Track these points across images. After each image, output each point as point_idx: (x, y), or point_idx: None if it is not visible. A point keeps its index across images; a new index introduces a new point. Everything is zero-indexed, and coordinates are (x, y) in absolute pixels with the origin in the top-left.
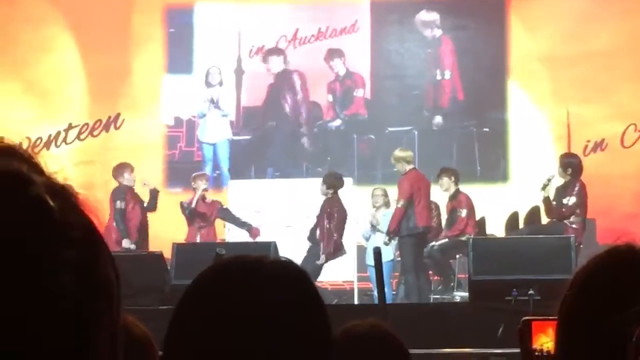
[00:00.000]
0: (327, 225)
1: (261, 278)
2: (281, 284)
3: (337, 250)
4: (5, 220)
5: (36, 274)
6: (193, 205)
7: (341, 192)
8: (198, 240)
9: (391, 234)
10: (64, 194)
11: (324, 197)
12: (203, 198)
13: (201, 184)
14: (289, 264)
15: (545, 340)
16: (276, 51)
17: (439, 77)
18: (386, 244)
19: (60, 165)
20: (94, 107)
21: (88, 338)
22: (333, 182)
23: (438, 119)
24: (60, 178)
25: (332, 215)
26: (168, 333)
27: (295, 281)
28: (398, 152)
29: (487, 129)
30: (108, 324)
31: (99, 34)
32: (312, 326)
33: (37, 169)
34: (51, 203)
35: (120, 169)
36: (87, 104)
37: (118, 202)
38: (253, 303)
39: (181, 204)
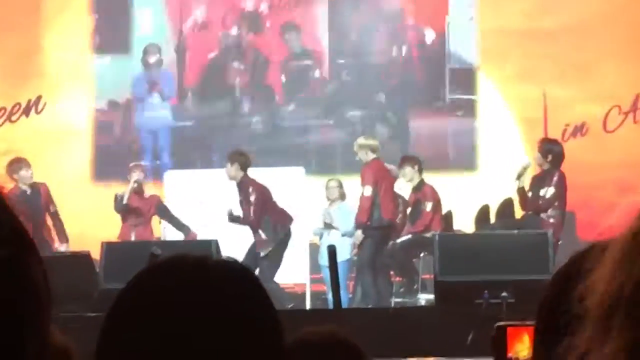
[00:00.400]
0: (251, 213)
1: (204, 279)
2: (226, 286)
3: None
4: None
5: None
6: (125, 200)
7: (293, 184)
8: (133, 238)
9: (360, 226)
10: None
11: (234, 182)
12: (139, 192)
13: (134, 176)
14: (233, 264)
15: (521, 348)
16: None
17: (396, 54)
18: (354, 237)
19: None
20: (10, 90)
21: (15, 346)
22: (242, 160)
23: (397, 101)
24: None
25: (250, 200)
26: (101, 342)
27: (241, 283)
28: (362, 140)
29: (452, 112)
30: (36, 331)
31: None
32: (261, 331)
33: None
34: None
35: (17, 164)
36: (3, 87)
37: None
38: (196, 306)
39: (115, 197)
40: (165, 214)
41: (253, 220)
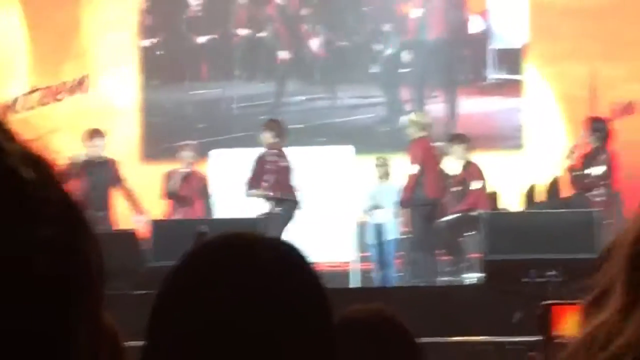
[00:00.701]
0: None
1: (255, 259)
2: (275, 267)
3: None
4: None
5: (7, 256)
6: (175, 187)
7: (342, 162)
8: (176, 216)
9: (404, 203)
10: (40, 165)
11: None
12: (188, 174)
13: (185, 155)
14: (284, 244)
15: (566, 327)
16: None
17: (443, 34)
18: (395, 215)
19: (38, 132)
20: (56, 69)
21: (66, 329)
22: (277, 128)
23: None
24: (37, 147)
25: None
26: (152, 321)
27: (290, 263)
28: (413, 116)
29: (498, 91)
30: (89, 313)
31: None
32: (309, 313)
33: (10, 136)
34: (25, 175)
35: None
36: (49, 65)
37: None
38: (245, 287)
39: (165, 177)
40: (206, 195)
41: (277, 188)
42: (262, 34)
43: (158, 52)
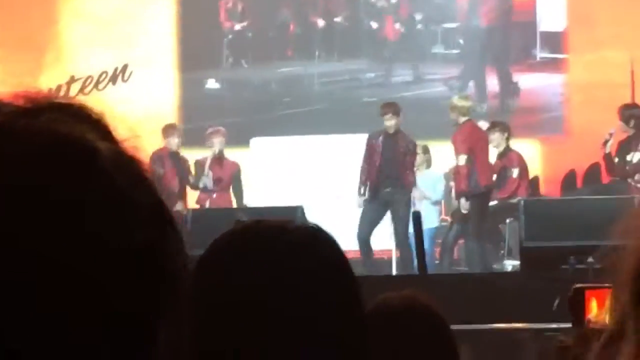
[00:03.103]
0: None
1: (284, 244)
2: (306, 252)
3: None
4: (62, 199)
5: (96, 258)
6: (208, 183)
7: None
8: (208, 205)
9: (463, 194)
10: (132, 167)
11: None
12: (219, 159)
13: (215, 143)
14: (316, 230)
15: (599, 311)
16: None
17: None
18: (465, 208)
19: (131, 131)
20: (97, 59)
21: (149, 335)
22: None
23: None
24: (131, 147)
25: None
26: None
27: (321, 248)
28: (455, 101)
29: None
30: (171, 320)
31: None
32: (338, 296)
33: (107, 134)
34: (117, 178)
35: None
36: (90, 55)
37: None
38: (273, 271)
39: (196, 164)
40: (238, 185)
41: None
42: (338, 19)
43: (249, 34)
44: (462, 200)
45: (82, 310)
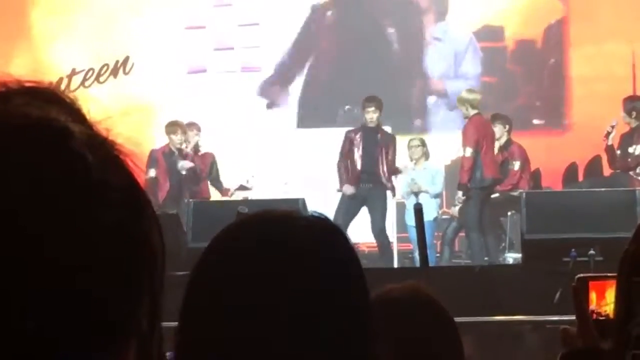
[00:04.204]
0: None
1: (290, 233)
2: (313, 241)
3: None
4: (35, 177)
5: (70, 238)
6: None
7: None
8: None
9: (463, 188)
10: (105, 149)
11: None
12: (195, 152)
13: (191, 136)
14: (319, 219)
15: (604, 302)
16: None
17: None
18: (459, 201)
19: (104, 113)
20: (98, 51)
21: (131, 312)
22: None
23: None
24: (103, 129)
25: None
26: (186, 296)
27: (328, 238)
28: (464, 94)
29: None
30: (148, 302)
31: None
32: (345, 286)
33: (79, 117)
34: (90, 158)
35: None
36: (91, 48)
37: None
38: (282, 259)
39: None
40: (216, 174)
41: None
42: None
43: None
44: (459, 193)
45: (45, 288)
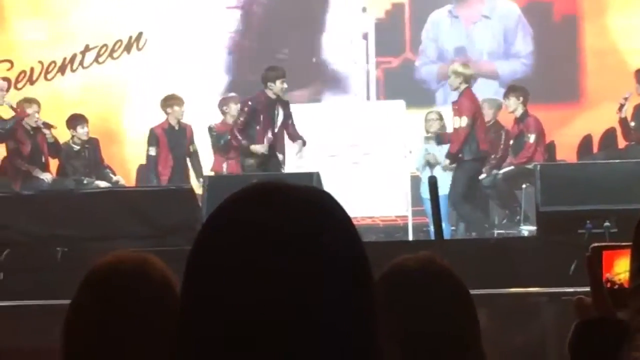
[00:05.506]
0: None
1: (287, 203)
2: (309, 210)
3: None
4: None
5: None
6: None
7: (393, 117)
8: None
9: (453, 157)
10: None
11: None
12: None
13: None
14: (315, 190)
15: (619, 271)
16: None
17: None
18: (444, 169)
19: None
20: (111, 27)
21: None
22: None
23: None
24: None
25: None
26: (188, 265)
27: (321, 210)
28: (459, 67)
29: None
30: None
31: None
32: (345, 254)
33: None
34: None
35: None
36: (104, 24)
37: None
38: (279, 229)
39: (209, 129)
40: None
41: None
42: None
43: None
44: (446, 161)
45: None
